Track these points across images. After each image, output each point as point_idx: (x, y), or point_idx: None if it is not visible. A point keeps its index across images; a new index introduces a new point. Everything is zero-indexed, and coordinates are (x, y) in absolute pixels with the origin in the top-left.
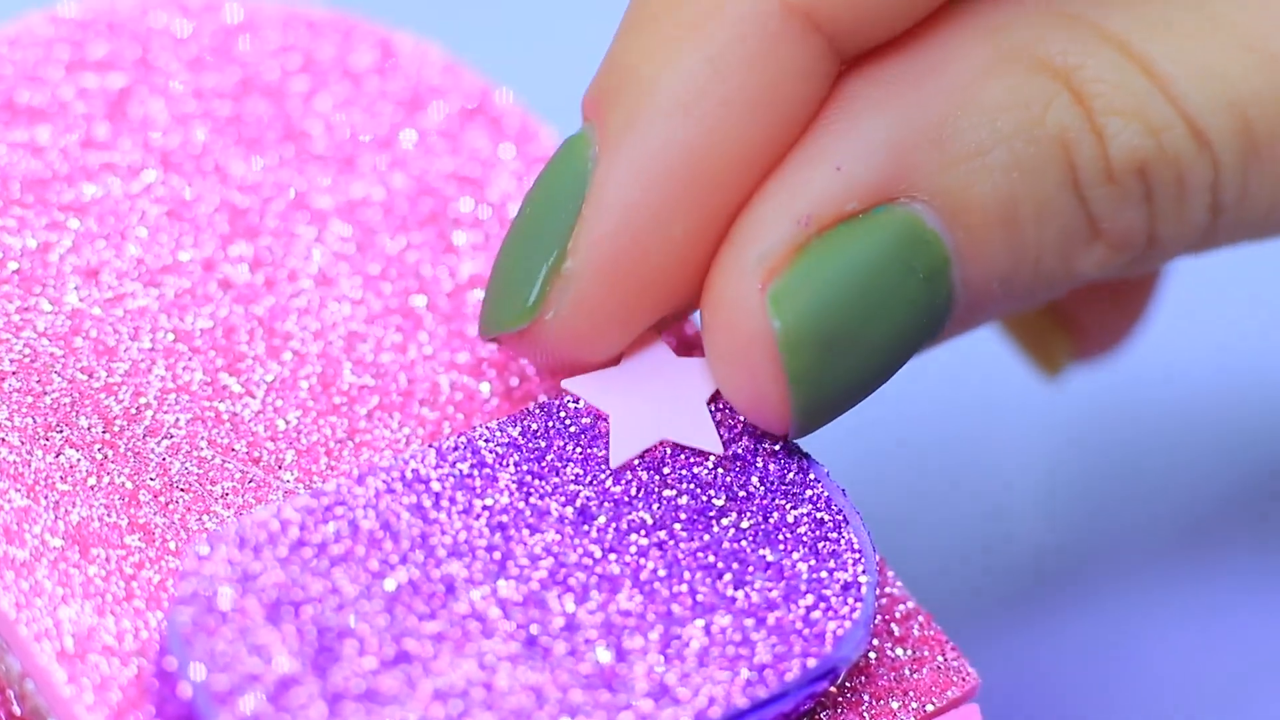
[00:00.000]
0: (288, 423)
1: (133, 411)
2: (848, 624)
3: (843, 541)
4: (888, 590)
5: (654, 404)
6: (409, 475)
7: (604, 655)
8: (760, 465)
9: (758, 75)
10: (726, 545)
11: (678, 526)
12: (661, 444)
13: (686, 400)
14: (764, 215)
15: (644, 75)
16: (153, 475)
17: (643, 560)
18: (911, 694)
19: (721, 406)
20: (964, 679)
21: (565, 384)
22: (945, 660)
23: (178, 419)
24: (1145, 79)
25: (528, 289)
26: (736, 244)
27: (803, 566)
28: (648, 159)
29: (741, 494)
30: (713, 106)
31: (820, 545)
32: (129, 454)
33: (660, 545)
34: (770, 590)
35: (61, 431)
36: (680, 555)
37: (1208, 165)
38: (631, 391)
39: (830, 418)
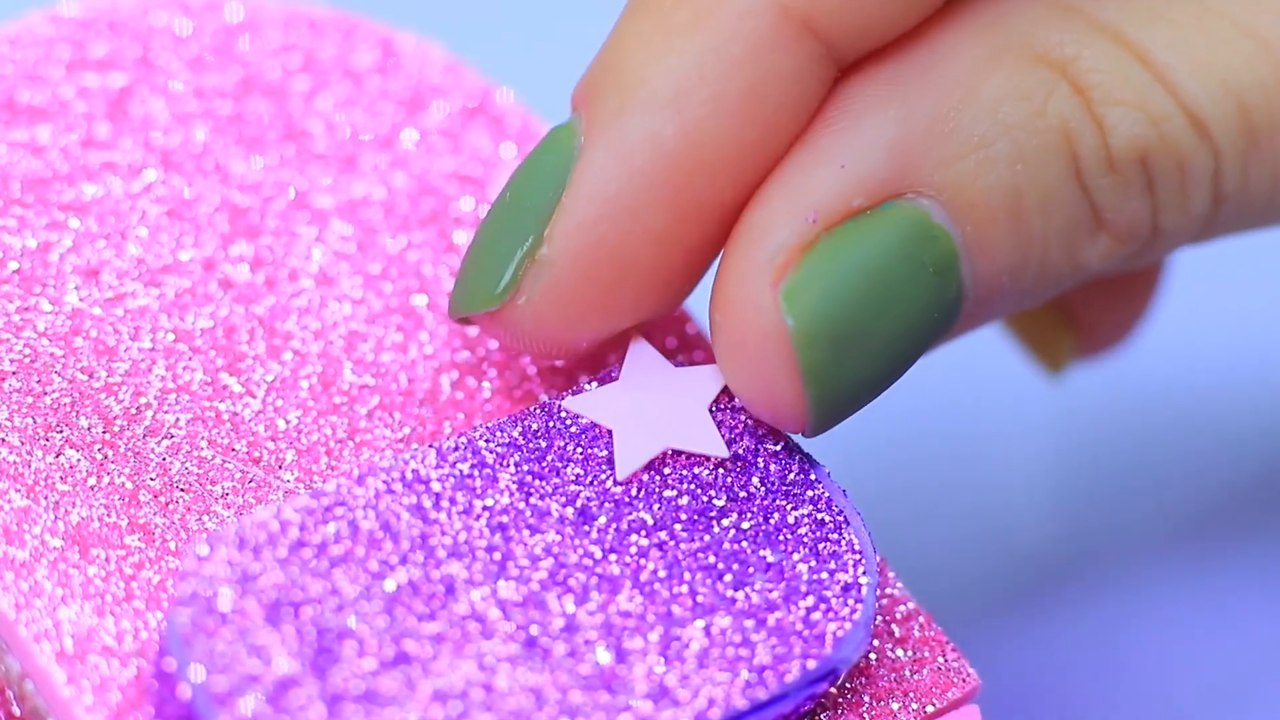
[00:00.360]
0: (288, 422)
1: (133, 411)
2: (848, 625)
3: (843, 543)
4: (888, 591)
5: (655, 415)
6: (409, 475)
7: (604, 656)
8: (761, 466)
9: (749, 76)
10: (727, 546)
11: (678, 527)
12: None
13: (688, 408)
14: (771, 214)
15: (634, 69)
16: (153, 475)
17: (643, 561)
18: (912, 695)
19: (723, 407)
20: (964, 680)
21: (566, 404)
22: (946, 661)
23: (178, 419)
24: (1143, 69)
25: (501, 272)
26: (744, 244)
27: (803, 567)
28: (631, 152)
29: (742, 495)
30: (700, 104)
31: (821, 546)
32: (129, 454)
33: (660, 546)
34: (770, 591)
35: (61, 431)
36: (680, 556)
37: (1208, 155)
38: (632, 405)
39: (845, 415)
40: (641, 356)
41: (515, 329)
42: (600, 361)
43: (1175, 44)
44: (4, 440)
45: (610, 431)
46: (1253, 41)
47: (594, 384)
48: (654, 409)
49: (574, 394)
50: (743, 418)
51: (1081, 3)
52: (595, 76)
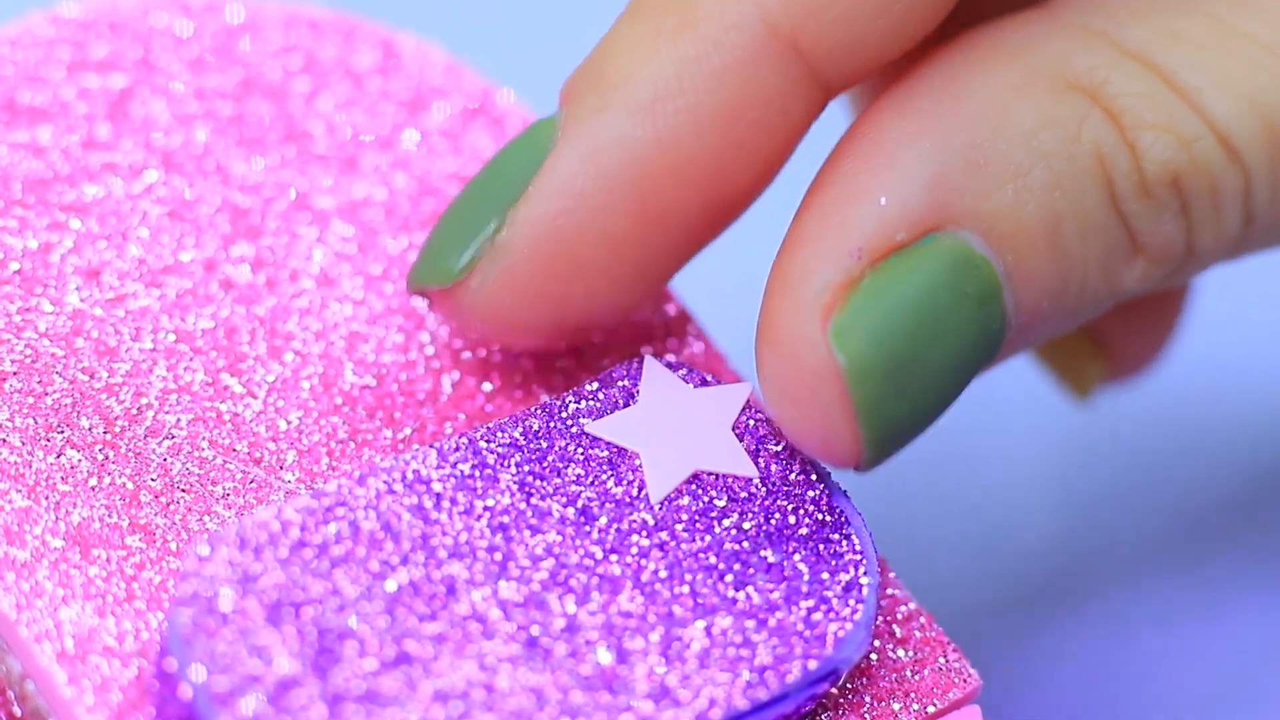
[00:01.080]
0: (289, 423)
1: (134, 412)
2: (849, 625)
3: (844, 543)
4: (889, 591)
5: (680, 436)
6: (410, 476)
7: (605, 656)
8: (762, 466)
9: (728, 89)
10: (728, 546)
11: (679, 527)
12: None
13: (712, 428)
14: (814, 253)
15: (616, 71)
16: (154, 476)
17: (644, 561)
18: (913, 695)
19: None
20: (965, 680)
21: (588, 427)
22: (946, 661)
23: (179, 419)
24: (1170, 92)
25: (460, 251)
26: (788, 283)
27: (804, 568)
28: (601, 151)
29: (743, 495)
30: (675, 112)
31: (822, 547)
32: (130, 454)
33: (661, 546)
34: (771, 591)
35: (63, 432)
36: (681, 556)
37: (1238, 174)
38: (656, 427)
39: (896, 449)
40: (655, 375)
41: (467, 309)
42: (581, 356)
43: (1201, 65)
44: (5, 441)
45: (643, 469)
46: (1276, 60)
47: (599, 388)
48: (678, 430)
49: (589, 411)
50: (744, 419)
51: (1105, 27)
52: (580, 74)
